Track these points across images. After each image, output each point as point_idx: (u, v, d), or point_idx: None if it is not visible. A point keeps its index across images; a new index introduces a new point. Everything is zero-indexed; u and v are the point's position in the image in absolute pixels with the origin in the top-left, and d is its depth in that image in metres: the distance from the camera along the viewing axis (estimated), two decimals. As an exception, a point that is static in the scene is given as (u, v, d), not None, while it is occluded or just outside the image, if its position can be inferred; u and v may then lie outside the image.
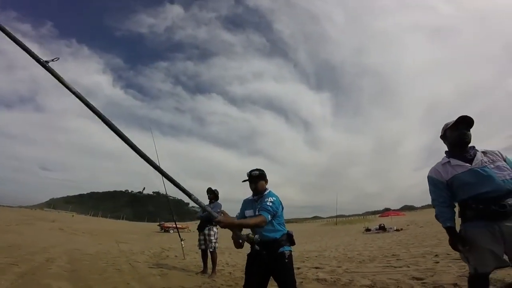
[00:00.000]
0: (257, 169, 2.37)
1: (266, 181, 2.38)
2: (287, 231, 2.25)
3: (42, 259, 5.19)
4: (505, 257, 1.77)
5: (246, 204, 2.41)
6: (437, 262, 4.44)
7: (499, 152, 1.93)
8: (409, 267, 4.38)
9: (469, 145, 1.97)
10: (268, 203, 2.15)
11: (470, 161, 1.90)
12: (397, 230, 15.88)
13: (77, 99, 1.73)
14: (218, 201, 5.15)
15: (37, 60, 1.73)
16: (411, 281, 3.28)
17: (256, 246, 2.04)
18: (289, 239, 2.23)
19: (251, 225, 2.05)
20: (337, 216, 36.25)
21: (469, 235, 1.85)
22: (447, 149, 2.07)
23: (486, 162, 1.86)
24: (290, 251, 2.19)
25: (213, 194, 5.11)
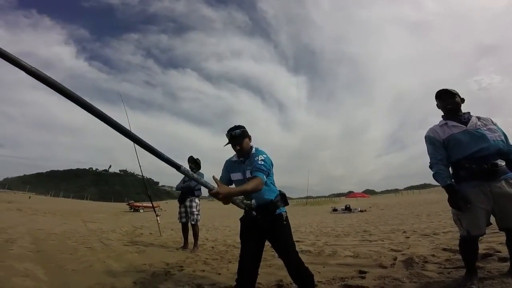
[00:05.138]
0: (237, 127, 2.05)
1: (250, 138, 2.10)
2: (279, 190, 2.11)
3: (0, 240, 4.66)
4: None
5: (231, 166, 2.15)
6: (408, 237, 4.77)
7: (491, 119, 2.12)
8: (383, 241, 4.65)
9: (464, 111, 2.15)
10: (260, 162, 1.91)
11: (465, 123, 2.07)
12: (361, 211, 16.82)
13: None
14: (200, 170, 4.97)
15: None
16: (391, 253, 3.46)
17: (253, 212, 1.91)
18: (283, 199, 2.09)
19: (249, 191, 1.78)
20: (307, 197, 37.79)
21: (464, 195, 1.93)
22: (443, 114, 2.26)
23: (479, 125, 2.04)
24: (286, 212, 2.07)
25: (195, 164, 4.88)
